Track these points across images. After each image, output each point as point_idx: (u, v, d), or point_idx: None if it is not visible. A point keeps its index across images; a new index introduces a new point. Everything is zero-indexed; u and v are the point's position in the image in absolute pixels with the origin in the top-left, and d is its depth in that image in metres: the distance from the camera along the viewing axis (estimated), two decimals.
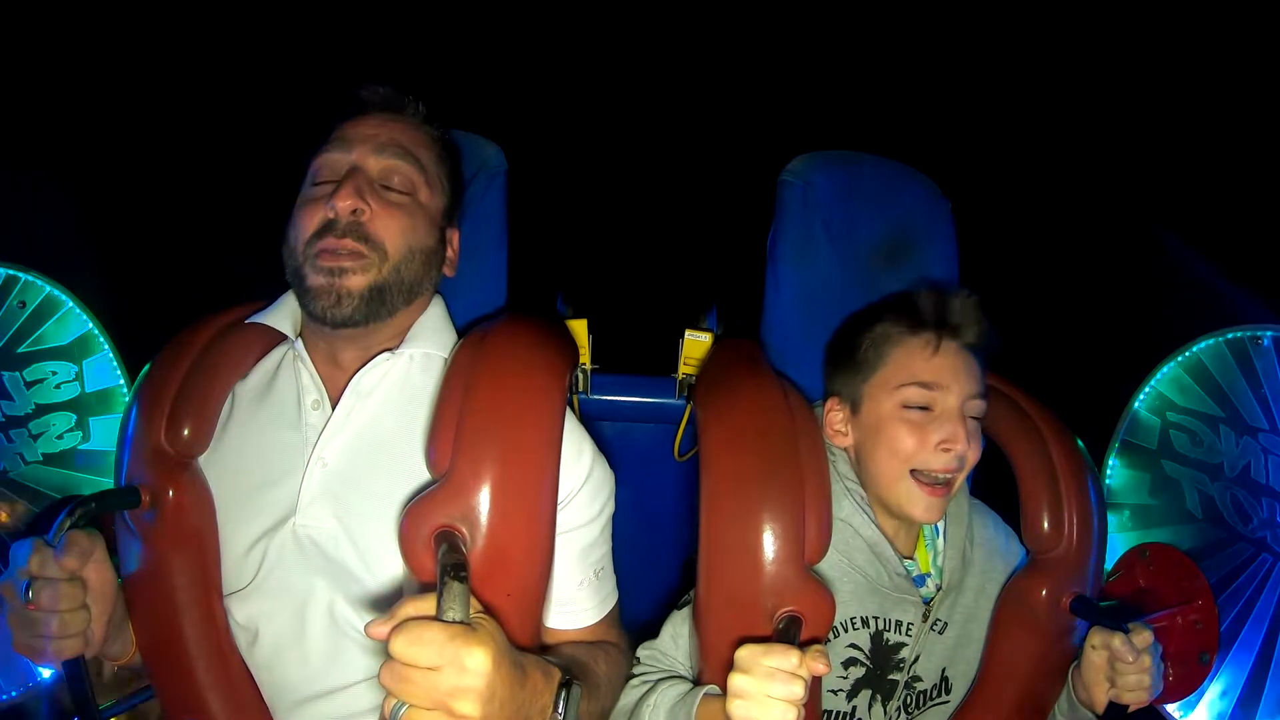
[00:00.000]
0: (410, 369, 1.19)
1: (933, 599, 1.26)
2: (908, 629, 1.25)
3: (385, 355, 1.17)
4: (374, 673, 1.07)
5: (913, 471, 1.20)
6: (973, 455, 1.19)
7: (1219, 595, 1.46)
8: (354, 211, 1.10)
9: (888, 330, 1.25)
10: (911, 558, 1.29)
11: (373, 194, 1.12)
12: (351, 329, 1.12)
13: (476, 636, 0.76)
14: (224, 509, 1.14)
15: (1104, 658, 1.14)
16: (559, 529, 1.10)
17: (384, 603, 1.09)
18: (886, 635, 1.25)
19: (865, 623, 1.24)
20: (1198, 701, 1.48)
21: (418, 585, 1.00)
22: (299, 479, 1.12)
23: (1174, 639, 1.45)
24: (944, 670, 1.29)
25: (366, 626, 0.79)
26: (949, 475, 1.19)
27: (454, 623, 0.76)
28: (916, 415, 1.20)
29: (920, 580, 1.28)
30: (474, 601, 0.82)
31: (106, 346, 1.63)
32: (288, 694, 1.14)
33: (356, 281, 1.09)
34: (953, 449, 1.17)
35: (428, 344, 1.19)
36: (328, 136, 1.18)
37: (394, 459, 1.12)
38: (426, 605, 0.78)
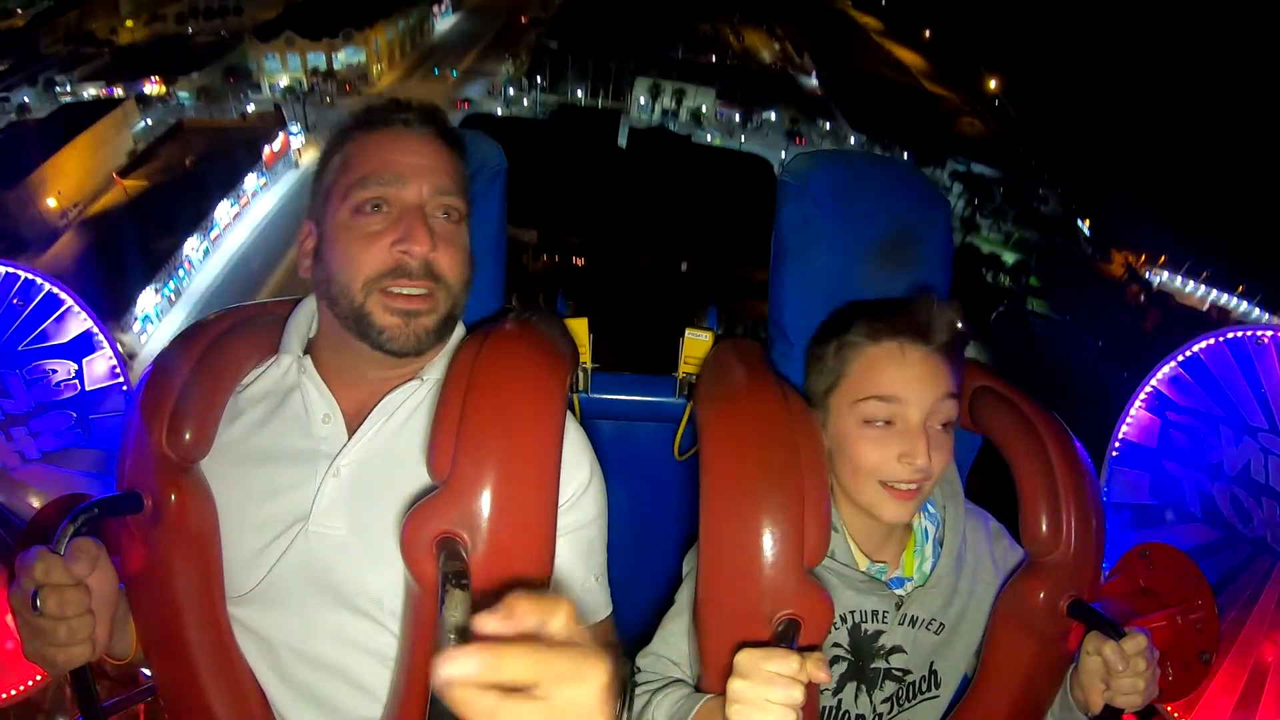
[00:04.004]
0: (435, 392, 1.20)
1: (905, 593, 1.27)
2: (883, 616, 1.26)
3: (415, 382, 1.20)
4: (378, 676, 1.09)
5: (880, 481, 1.20)
6: (938, 464, 1.19)
7: (1219, 595, 1.46)
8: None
9: (850, 340, 1.25)
10: (882, 561, 1.30)
11: (435, 234, 1.14)
12: (415, 356, 1.17)
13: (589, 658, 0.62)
14: (228, 514, 1.16)
15: (1099, 663, 1.14)
16: (565, 529, 1.10)
17: (394, 607, 1.10)
18: (865, 627, 1.26)
19: (843, 619, 1.26)
20: (1198, 702, 1.48)
21: (418, 590, 1.01)
22: (312, 487, 1.14)
23: (1174, 639, 1.45)
24: (932, 664, 1.31)
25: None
26: (914, 484, 1.19)
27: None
28: (877, 430, 1.20)
29: (897, 583, 1.29)
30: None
31: (106, 345, 1.63)
32: (294, 695, 1.16)
33: (430, 321, 1.14)
34: (914, 462, 1.17)
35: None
36: (368, 157, 1.16)
37: (410, 473, 1.13)
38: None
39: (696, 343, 1.60)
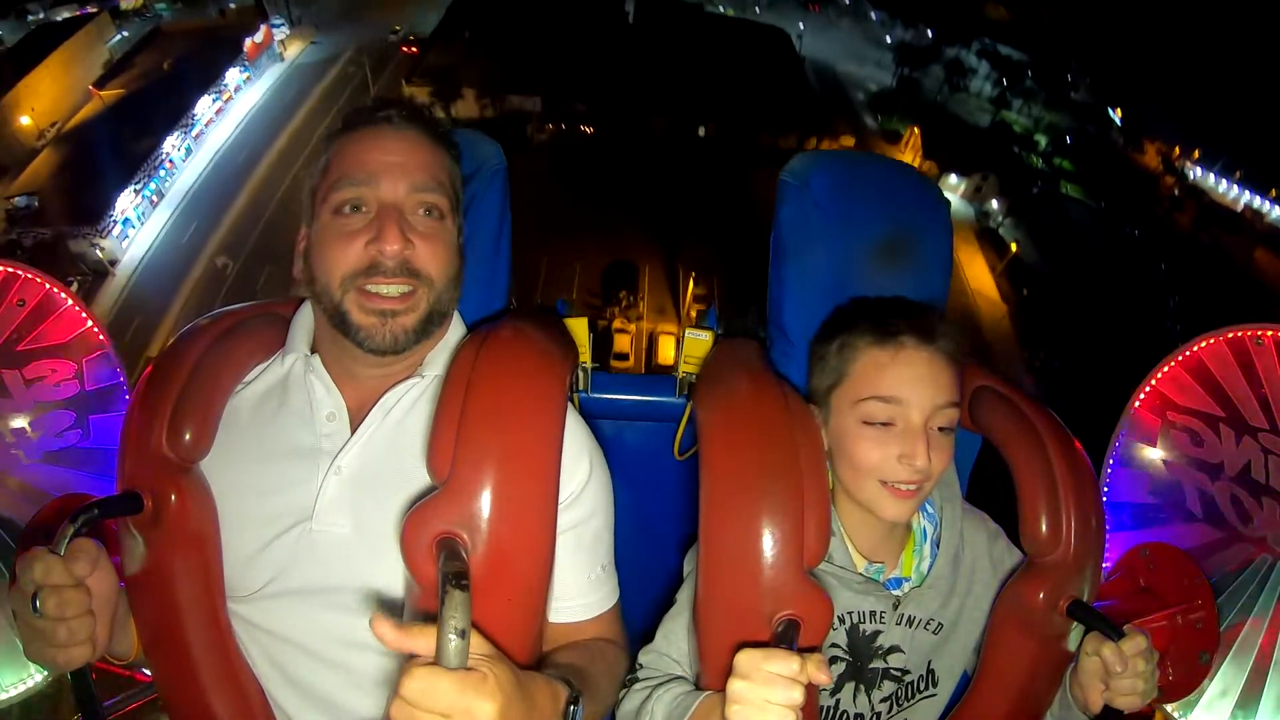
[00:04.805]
0: (433, 388, 1.21)
1: (903, 594, 1.28)
2: (881, 617, 1.27)
3: (415, 379, 1.20)
4: (385, 675, 1.11)
5: (880, 480, 1.21)
6: (938, 465, 1.19)
7: (1219, 595, 1.46)
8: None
9: (853, 339, 1.25)
10: (880, 561, 1.30)
11: (411, 229, 1.14)
12: (395, 355, 1.16)
13: (486, 689, 0.80)
14: (230, 510, 1.16)
15: (1098, 663, 1.14)
16: (567, 525, 1.11)
17: (395, 607, 1.11)
18: (862, 627, 1.27)
19: (841, 620, 1.26)
20: (1198, 702, 1.48)
21: (418, 590, 1.01)
22: (315, 485, 1.14)
23: (1174, 639, 1.45)
24: (929, 663, 1.32)
25: (373, 620, 0.82)
26: (914, 484, 1.20)
27: (465, 668, 0.79)
28: (877, 430, 1.20)
29: (895, 583, 1.29)
30: (485, 643, 0.85)
31: (106, 344, 1.62)
32: (297, 693, 1.16)
33: (409, 320, 1.14)
34: (914, 463, 1.17)
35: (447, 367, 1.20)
36: (345, 158, 1.17)
37: (413, 469, 1.14)
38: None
39: (696, 342, 1.60)
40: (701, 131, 31.28)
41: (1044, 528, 1.21)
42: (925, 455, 1.16)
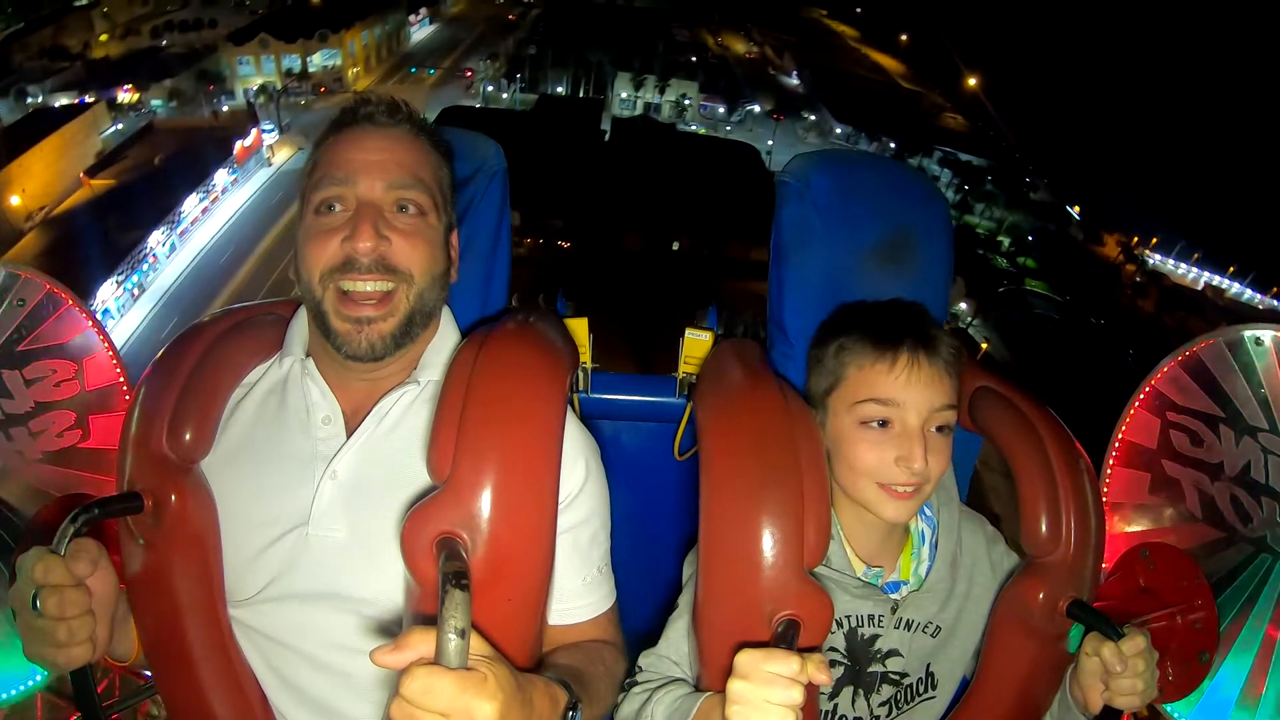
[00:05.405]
0: (429, 392, 1.21)
1: (901, 598, 1.28)
2: (879, 621, 1.27)
3: (411, 385, 1.20)
4: (381, 679, 1.11)
5: (878, 483, 1.21)
6: (936, 468, 1.20)
7: (1219, 595, 1.46)
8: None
9: (850, 344, 1.25)
10: (879, 566, 1.30)
11: (389, 226, 1.14)
12: (375, 362, 1.15)
13: (486, 689, 0.80)
14: (229, 513, 1.16)
15: (1098, 663, 1.14)
16: (564, 527, 1.11)
17: (393, 610, 1.11)
18: (860, 631, 1.27)
19: (839, 624, 1.26)
20: (1198, 702, 1.47)
21: (418, 591, 1.01)
22: (311, 489, 1.14)
23: (1174, 639, 1.44)
24: (928, 666, 1.31)
25: (372, 653, 0.81)
26: (912, 486, 1.20)
27: (465, 668, 0.78)
28: (875, 432, 1.20)
29: (893, 587, 1.29)
30: (484, 644, 0.85)
31: (106, 345, 1.62)
32: (294, 696, 1.16)
33: (385, 326, 1.13)
34: (911, 466, 1.17)
35: (443, 371, 1.20)
36: (328, 157, 1.17)
37: (408, 473, 1.14)
38: (433, 639, 0.79)
39: (696, 343, 1.60)
40: (675, 245, 32.00)
41: (1044, 528, 1.21)
42: (922, 458, 1.16)
